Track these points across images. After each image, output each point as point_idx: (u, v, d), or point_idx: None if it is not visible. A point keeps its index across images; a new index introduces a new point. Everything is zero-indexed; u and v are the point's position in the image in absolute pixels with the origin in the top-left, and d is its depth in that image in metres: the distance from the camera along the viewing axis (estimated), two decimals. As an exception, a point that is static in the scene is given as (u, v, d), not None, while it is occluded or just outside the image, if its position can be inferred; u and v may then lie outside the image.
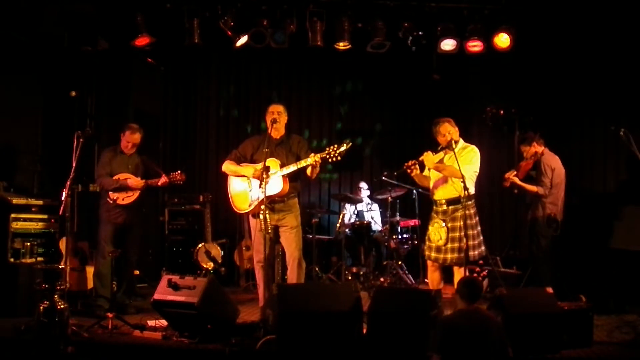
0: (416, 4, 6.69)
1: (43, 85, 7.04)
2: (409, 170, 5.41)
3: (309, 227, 7.42)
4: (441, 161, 5.40)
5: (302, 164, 5.14)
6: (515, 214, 7.60)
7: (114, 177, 5.89)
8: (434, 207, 5.46)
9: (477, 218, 5.35)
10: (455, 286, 5.15)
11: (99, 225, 5.95)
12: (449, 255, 5.28)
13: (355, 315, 4.47)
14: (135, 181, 5.87)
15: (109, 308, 5.16)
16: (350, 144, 5.08)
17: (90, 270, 6.05)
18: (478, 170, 5.35)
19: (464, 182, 5.01)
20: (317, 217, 7.67)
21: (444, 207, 5.35)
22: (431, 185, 5.50)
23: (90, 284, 6.03)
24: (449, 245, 5.27)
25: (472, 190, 5.36)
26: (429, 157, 5.38)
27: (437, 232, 5.34)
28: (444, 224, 5.30)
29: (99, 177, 5.96)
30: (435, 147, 5.47)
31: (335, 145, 5.06)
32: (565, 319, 4.56)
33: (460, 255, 5.16)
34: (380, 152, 8.89)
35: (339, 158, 5.04)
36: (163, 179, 5.87)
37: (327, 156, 5.05)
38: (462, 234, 5.15)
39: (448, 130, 5.37)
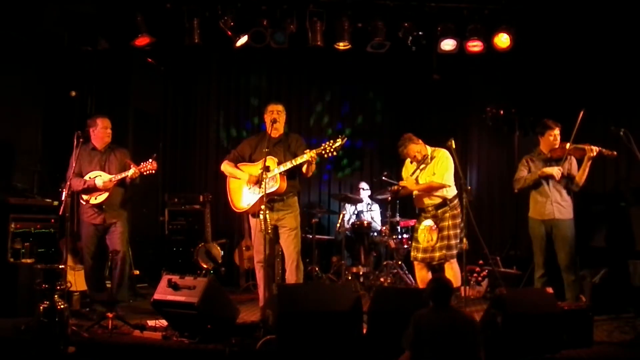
0: (416, 4, 6.69)
1: (43, 85, 7.03)
2: (397, 194, 5.94)
3: (309, 227, 7.43)
4: (417, 180, 5.73)
5: (298, 160, 5.13)
6: (515, 214, 7.59)
7: (85, 177, 5.62)
8: (424, 214, 5.76)
9: (461, 218, 5.59)
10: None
11: (80, 228, 5.79)
12: (436, 254, 5.58)
13: (355, 315, 4.47)
14: (104, 180, 5.54)
15: (107, 309, 5.14)
16: (346, 138, 5.10)
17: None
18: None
19: (461, 182, 5.29)
20: (317, 217, 7.67)
21: (433, 212, 5.68)
22: (416, 198, 5.83)
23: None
24: (437, 244, 5.57)
25: (453, 192, 5.67)
26: (409, 181, 5.78)
27: (426, 234, 5.62)
28: (434, 226, 5.58)
29: (67, 178, 5.47)
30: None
31: (331, 141, 5.06)
32: (565, 319, 4.55)
33: (449, 252, 5.53)
34: (380, 152, 8.89)
35: (334, 153, 5.05)
36: (133, 171, 5.46)
37: (323, 152, 5.05)
38: (449, 232, 5.56)
39: (416, 150, 5.70)
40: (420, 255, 5.67)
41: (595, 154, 5.31)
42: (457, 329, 3.72)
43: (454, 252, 5.56)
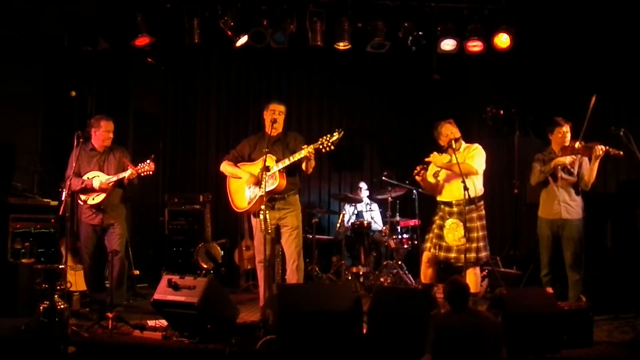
0: (416, 4, 6.69)
1: (43, 85, 7.03)
2: (418, 178, 5.39)
3: (309, 227, 7.43)
4: (449, 162, 5.39)
5: (297, 156, 5.10)
6: (515, 214, 7.60)
7: (83, 177, 5.60)
8: (447, 209, 5.43)
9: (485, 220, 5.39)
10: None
11: (79, 228, 5.80)
12: (461, 255, 5.25)
13: (355, 315, 4.47)
14: (101, 182, 5.53)
15: (108, 308, 5.14)
16: (342, 132, 5.00)
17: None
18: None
19: (464, 182, 5.02)
20: (317, 217, 7.68)
21: (460, 208, 5.31)
22: (444, 187, 5.47)
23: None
24: (465, 245, 5.25)
25: (482, 189, 5.42)
26: (436, 158, 5.40)
27: (453, 232, 5.32)
28: (461, 224, 5.26)
29: (67, 177, 5.47)
30: (435, 148, 5.49)
31: (328, 135, 5.01)
32: (565, 319, 4.56)
33: (479, 255, 5.25)
34: (380, 152, 8.90)
35: (332, 147, 4.99)
36: (130, 172, 5.43)
37: (320, 146, 5.00)
38: (478, 234, 5.27)
39: (450, 130, 5.42)
40: (443, 253, 5.37)
41: (602, 153, 5.26)
42: (478, 330, 3.71)
43: (482, 254, 5.30)
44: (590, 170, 5.42)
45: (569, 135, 5.55)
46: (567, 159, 5.44)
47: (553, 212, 5.57)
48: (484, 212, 5.39)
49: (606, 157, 5.35)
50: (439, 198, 5.53)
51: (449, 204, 5.43)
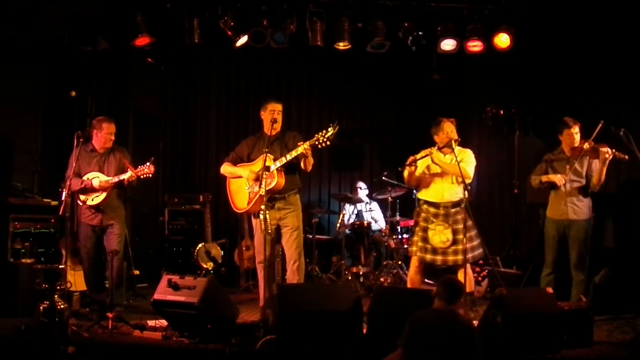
0: (416, 4, 6.69)
1: (43, 85, 7.04)
2: (410, 168, 5.38)
3: (309, 227, 7.43)
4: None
5: (293, 154, 5.09)
6: (515, 214, 7.60)
7: (82, 177, 5.61)
8: (433, 210, 5.42)
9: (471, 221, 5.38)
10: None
11: (78, 228, 5.82)
12: (450, 257, 5.28)
13: (355, 315, 4.47)
14: (101, 181, 5.55)
15: (108, 308, 5.14)
16: (337, 127, 4.99)
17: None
18: None
19: (464, 182, 5.01)
20: (317, 217, 7.68)
21: (449, 209, 5.33)
22: (429, 186, 5.48)
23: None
24: (452, 248, 5.26)
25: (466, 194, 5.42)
26: (436, 153, 5.39)
27: (440, 235, 5.31)
28: (448, 226, 5.28)
29: (67, 178, 5.46)
30: (433, 145, 5.49)
31: (323, 131, 5.00)
32: (565, 319, 4.55)
33: (466, 257, 5.20)
34: (380, 152, 8.90)
35: (328, 143, 4.99)
36: (130, 174, 5.46)
37: (317, 142, 5.00)
38: (464, 235, 5.19)
39: (451, 129, 5.43)
40: (429, 256, 5.36)
41: (609, 156, 5.27)
42: (455, 332, 3.69)
43: (469, 255, 5.26)
44: (598, 173, 5.43)
45: (577, 136, 5.56)
46: (557, 177, 5.50)
47: (560, 213, 5.59)
48: (465, 214, 5.35)
49: (617, 160, 5.35)
50: (423, 197, 5.51)
51: (435, 205, 5.42)
